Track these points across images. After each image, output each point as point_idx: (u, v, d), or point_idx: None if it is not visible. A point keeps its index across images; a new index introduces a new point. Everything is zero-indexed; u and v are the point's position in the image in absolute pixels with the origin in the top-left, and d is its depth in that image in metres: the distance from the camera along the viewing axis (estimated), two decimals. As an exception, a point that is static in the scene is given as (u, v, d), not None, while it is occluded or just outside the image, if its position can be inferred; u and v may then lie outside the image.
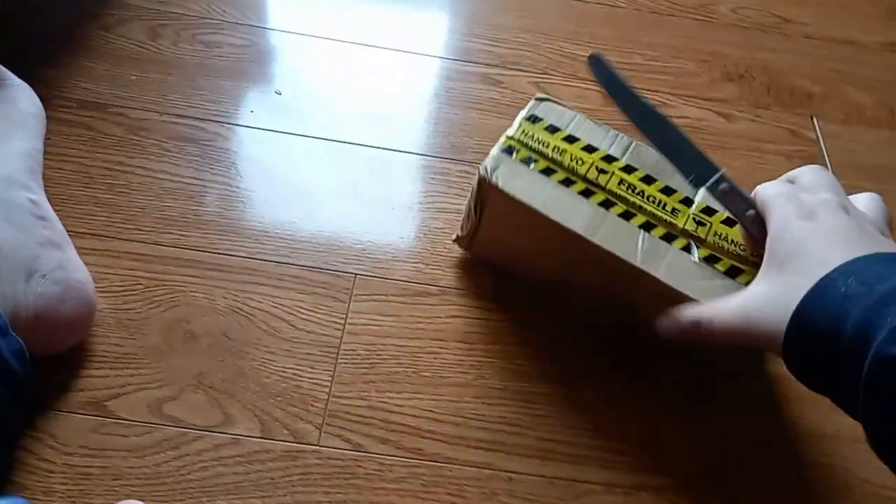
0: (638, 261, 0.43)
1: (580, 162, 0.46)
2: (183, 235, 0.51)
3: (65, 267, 0.44)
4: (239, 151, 0.55)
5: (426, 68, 0.63)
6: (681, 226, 0.44)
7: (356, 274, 0.50)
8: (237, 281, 0.50)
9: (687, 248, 0.43)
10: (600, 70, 0.44)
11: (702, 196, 0.46)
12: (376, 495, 0.43)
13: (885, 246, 0.33)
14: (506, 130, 0.47)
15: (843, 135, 0.65)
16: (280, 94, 0.59)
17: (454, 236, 0.51)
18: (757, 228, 0.39)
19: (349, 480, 0.43)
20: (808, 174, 0.39)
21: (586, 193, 0.45)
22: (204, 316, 0.48)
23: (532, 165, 0.46)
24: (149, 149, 0.54)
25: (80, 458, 0.42)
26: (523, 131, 0.47)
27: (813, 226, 0.34)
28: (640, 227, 0.44)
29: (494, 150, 0.46)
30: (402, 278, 0.51)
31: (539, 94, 0.49)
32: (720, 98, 0.66)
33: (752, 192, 0.39)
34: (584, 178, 0.46)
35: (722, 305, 0.37)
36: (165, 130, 0.55)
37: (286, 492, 0.42)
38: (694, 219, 0.45)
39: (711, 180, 0.40)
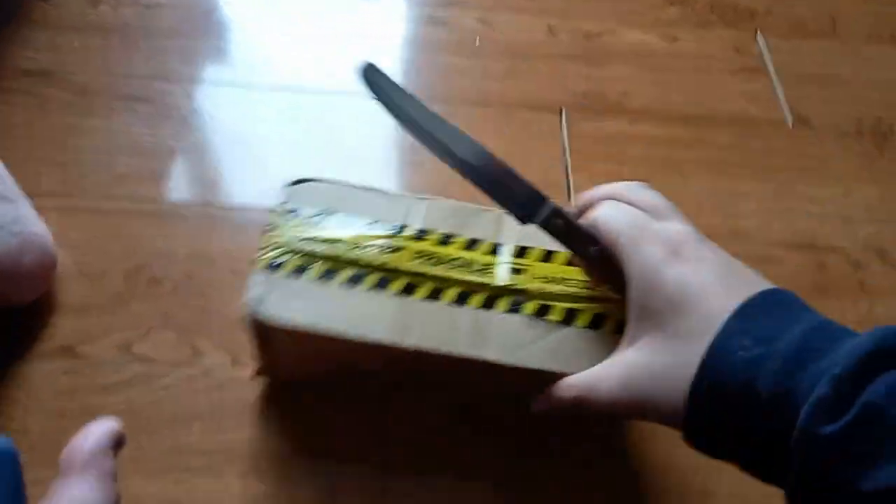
0: (461, 348, 0.35)
1: (362, 248, 0.38)
2: (138, 189, 0.51)
3: (20, 221, 0.44)
4: (189, 107, 0.55)
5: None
6: (497, 283, 0.38)
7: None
8: (196, 227, 0.50)
9: (514, 309, 0.37)
10: (374, 82, 0.36)
11: (511, 234, 0.40)
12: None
13: (751, 277, 0.31)
14: (259, 241, 0.38)
15: (787, 48, 0.66)
16: (225, 47, 0.60)
17: (251, 373, 0.42)
18: (600, 263, 0.34)
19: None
20: (641, 193, 0.34)
21: (382, 285, 0.37)
22: (166, 263, 0.48)
23: (306, 274, 0.37)
24: (98, 110, 0.54)
25: (53, 400, 0.42)
26: (283, 233, 0.38)
27: (683, 270, 0.30)
28: (454, 303, 0.37)
29: (256, 275, 0.37)
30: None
31: (290, 180, 0.40)
32: (664, 20, 0.67)
33: (590, 215, 0.34)
34: (374, 268, 0.37)
35: (601, 381, 0.32)
36: (112, 91, 0.55)
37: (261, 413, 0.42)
38: (510, 269, 0.38)
39: (542, 216, 0.35)
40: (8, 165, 0.50)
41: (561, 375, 0.34)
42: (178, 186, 0.51)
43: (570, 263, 0.39)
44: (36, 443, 0.39)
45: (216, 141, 0.54)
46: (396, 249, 0.38)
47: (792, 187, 0.56)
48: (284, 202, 0.40)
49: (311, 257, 0.37)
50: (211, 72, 0.58)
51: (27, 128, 0.53)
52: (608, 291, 0.37)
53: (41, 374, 0.43)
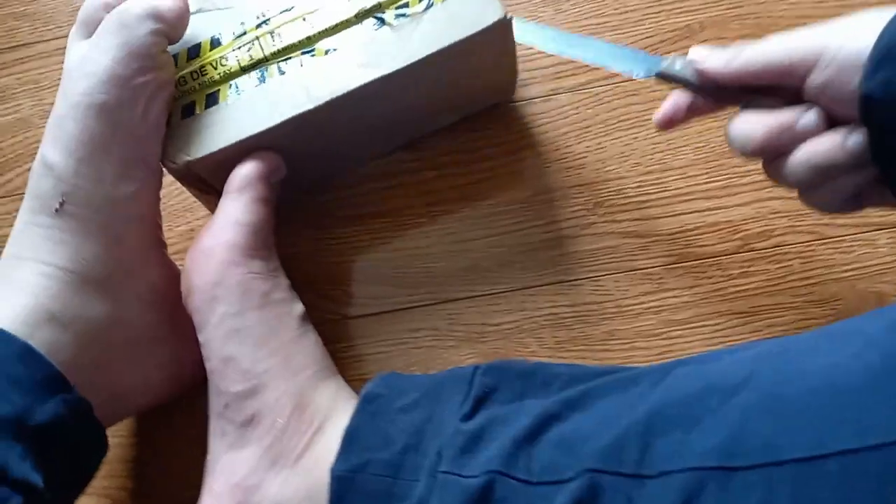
0: (362, 79, 0.38)
1: (223, 62, 0.40)
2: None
3: None
4: None
5: None
6: (353, 13, 0.40)
7: None
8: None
9: (377, 24, 0.40)
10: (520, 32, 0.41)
11: None
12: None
13: None
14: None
15: None
16: None
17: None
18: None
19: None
20: None
21: (260, 78, 0.39)
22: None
23: (193, 111, 0.39)
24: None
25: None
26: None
27: None
28: (325, 53, 0.39)
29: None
30: None
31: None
32: None
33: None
34: (244, 69, 0.40)
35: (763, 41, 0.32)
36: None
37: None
38: None
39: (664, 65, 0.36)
40: None
41: (456, 44, 0.38)
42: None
43: None
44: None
45: None
46: (250, 46, 0.40)
47: None
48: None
49: (188, 94, 0.40)
50: None
51: None
52: None
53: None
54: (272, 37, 0.40)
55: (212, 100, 0.40)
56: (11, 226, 0.49)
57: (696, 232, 0.45)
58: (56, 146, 0.36)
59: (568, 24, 0.51)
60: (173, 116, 0.39)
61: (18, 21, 0.56)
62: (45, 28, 0.55)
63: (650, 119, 0.47)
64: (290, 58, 0.40)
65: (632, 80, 0.44)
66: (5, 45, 0.55)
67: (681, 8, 0.50)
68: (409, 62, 0.38)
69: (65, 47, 0.53)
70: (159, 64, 0.37)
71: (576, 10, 0.51)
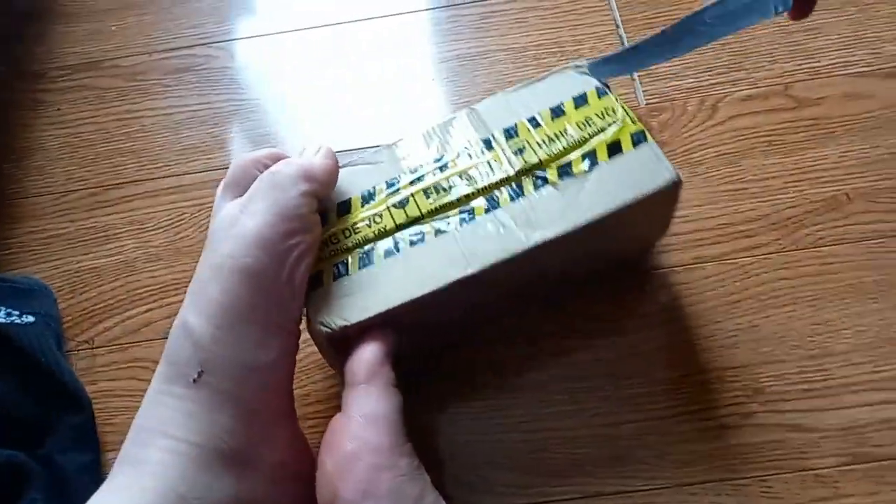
0: (523, 242, 0.36)
1: (377, 219, 0.38)
2: (209, 159, 0.53)
3: None
4: (234, 66, 0.57)
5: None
6: (511, 172, 0.38)
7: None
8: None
9: (540, 183, 0.38)
10: (601, 71, 0.41)
11: (491, 124, 0.40)
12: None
13: None
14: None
15: None
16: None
17: None
18: None
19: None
20: None
21: (417, 239, 0.37)
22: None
23: (347, 270, 0.37)
24: (150, 89, 0.56)
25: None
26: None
27: None
28: (487, 212, 0.37)
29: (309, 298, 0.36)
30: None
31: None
32: None
33: None
34: (399, 227, 0.37)
35: None
36: (159, 68, 0.57)
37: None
38: (512, 153, 0.39)
39: None
40: (86, 161, 0.53)
41: (627, 206, 0.36)
42: (245, 147, 0.53)
43: (554, 116, 0.39)
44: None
45: (270, 93, 0.56)
46: (405, 202, 0.38)
47: None
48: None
49: (339, 252, 0.37)
50: (246, 26, 0.59)
51: (93, 123, 0.55)
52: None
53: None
54: (427, 194, 0.38)
55: (366, 259, 0.37)
56: (111, 379, 0.46)
57: (869, 429, 0.41)
58: (197, 311, 0.34)
59: (705, 188, 0.49)
60: (325, 276, 0.37)
61: (124, 157, 0.54)
62: (153, 166, 0.53)
63: (804, 297, 0.44)
64: (448, 216, 0.37)
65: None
66: (111, 183, 0.53)
67: (824, 178, 0.48)
68: (578, 224, 0.36)
69: (173, 187, 0.52)
70: (308, 226, 0.35)
71: (711, 173, 0.49)
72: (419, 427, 0.41)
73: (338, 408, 0.36)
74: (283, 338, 0.35)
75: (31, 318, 0.45)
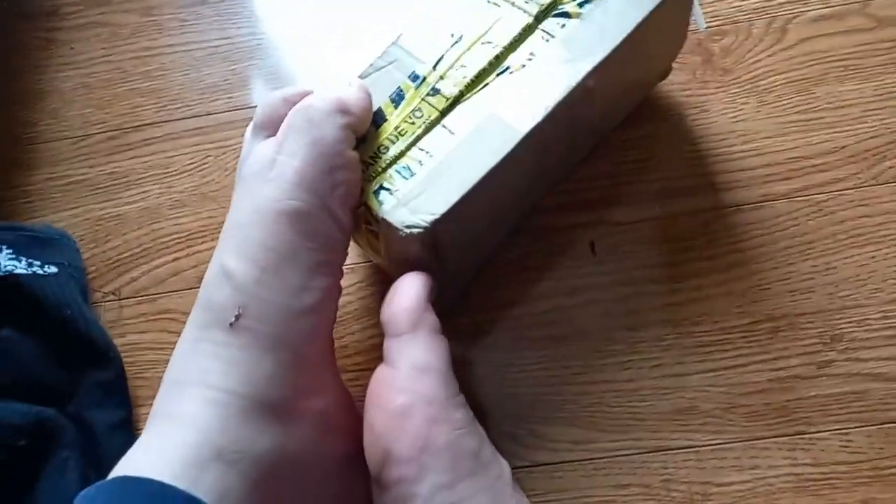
0: (573, 75, 0.34)
1: (416, 115, 0.35)
2: (231, 98, 0.50)
3: None
4: None
5: None
6: (531, 18, 0.36)
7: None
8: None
9: (562, 19, 0.36)
10: None
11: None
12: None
13: None
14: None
15: None
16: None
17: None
18: None
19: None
20: None
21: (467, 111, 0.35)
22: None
23: (410, 174, 0.34)
24: (166, 24, 0.52)
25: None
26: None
27: None
28: (522, 66, 0.35)
29: (373, 203, 0.34)
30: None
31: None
32: None
33: None
34: (442, 113, 0.35)
35: None
36: (175, 1, 0.53)
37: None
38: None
39: None
40: (103, 103, 0.49)
41: (655, 8, 0.35)
42: (271, 85, 0.50)
43: None
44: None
45: (292, 27, 0.52)
46: (437, 89, 0.35)
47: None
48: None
49: (395, 160, 0.34)
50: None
51: (108, 62, 0.52)
52: None
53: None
54: (456, 70, 0.35)
55: (424, 155, 0.34)
56: (140, 332, 0.44)
57: (961, 377, 0.37)
58: (237, 254, 0.31)
59: (774, 118, 0.44)
60: (390, 185, 0.34)
61: (143, 98, 0.51)
62: (173, 107, 0.50)
63: (886, 236, 0.40)
64: (487, 84, 0.35)
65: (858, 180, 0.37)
66: (129, 125, 0.50)
67: (908, 103, 0.44)
68: (616, 42, 0.35)
69: (196, 128, 0.49)
70: (348, 161, 0.33)
71: (781, 102, 0.45)
72: (463, 378, 0.38)
73: (379, 359, 0.33)
74: (328, 279, 0.33)
75: (53, 269, 0.43)
